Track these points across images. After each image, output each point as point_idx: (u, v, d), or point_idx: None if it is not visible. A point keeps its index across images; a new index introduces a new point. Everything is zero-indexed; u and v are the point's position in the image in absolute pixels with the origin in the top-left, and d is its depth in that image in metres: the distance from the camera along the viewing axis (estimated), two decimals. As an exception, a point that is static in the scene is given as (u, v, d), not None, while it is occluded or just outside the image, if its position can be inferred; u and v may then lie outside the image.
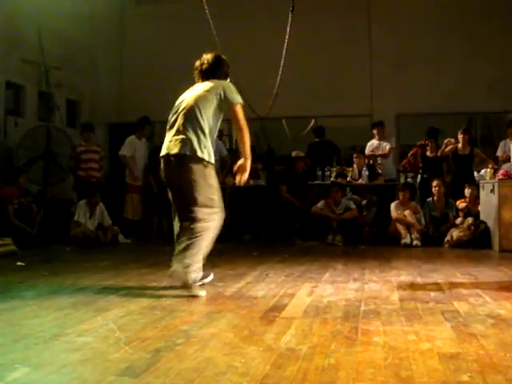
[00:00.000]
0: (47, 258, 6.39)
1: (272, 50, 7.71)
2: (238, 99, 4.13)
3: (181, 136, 4.04)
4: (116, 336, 2.82)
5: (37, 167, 8.95)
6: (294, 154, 8.92)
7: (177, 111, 4.18)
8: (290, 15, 6.22)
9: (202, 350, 2.56)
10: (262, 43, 9.96)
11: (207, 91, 4.12)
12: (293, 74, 8.83)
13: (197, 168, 4.00)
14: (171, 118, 4.22)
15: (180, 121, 4.10)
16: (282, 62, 6.82)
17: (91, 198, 7.99)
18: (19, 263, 5.75)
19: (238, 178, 4.23)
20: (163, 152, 4.14)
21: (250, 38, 10.33)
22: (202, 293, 3.98)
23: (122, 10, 11.50)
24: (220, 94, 4.10)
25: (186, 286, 3.94)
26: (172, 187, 4.20)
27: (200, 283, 4.16)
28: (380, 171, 8.88)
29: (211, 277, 4.39)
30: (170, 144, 4.09)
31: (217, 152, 6.52)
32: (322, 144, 9.38)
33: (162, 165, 4.19)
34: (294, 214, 8.42)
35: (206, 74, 4.29)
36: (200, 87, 4.21)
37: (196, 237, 3.93)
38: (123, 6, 11.48)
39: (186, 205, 4.01)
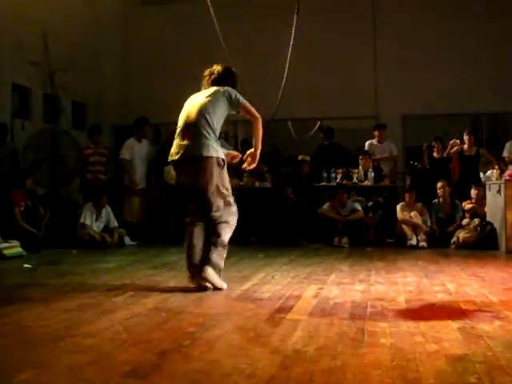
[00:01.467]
0: (53, 260, 6.40)
1: (277, 51, 7.71)
2: (242, 98, 4.34)
3: (197, 139, 4.18)
4: (122, 338, 2.82)
5: (43, 169, 8.98)
6: (300, 157, 8.93)
7: (188, 116, 4.30)
8: (295, 17, 6.22)
9: (208, 352, 2.56)
10: (267, 45, 9.96)
11: (213, 95, 4.28)
12: (298, 75, 8.84)
13: (215, 168, 4.17)
14: (182, 123, 4.33)
15: (194, 124, 4.22)
16: (288, 63, 6.82)
17: (98, 200, 8.00)
18: (26, 265, 5.77)
19: (245, 165, 4.50)
20: (176, 156, 4.27)
21: (255, 40, 10.34)
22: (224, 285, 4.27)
23: (127, 12, 11.53)
24: (227, 96, 4.28)
25: (216, 284, 4.19)
26: (193, 188, 4.30)
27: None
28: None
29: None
30: (185, 147, 4.22)
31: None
32: (331, 146, 9.39)
33: (176, 168, 4.37)
34: (299, 215, 8.41)
35: (215, 84, 4.41)
36: (207, 92, 4.34)
37: None
38: (128, 8, 11.50)
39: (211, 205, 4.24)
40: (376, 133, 9.33)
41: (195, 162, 4.17)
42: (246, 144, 10.11)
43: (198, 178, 4.20)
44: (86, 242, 7.70)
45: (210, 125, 4.20)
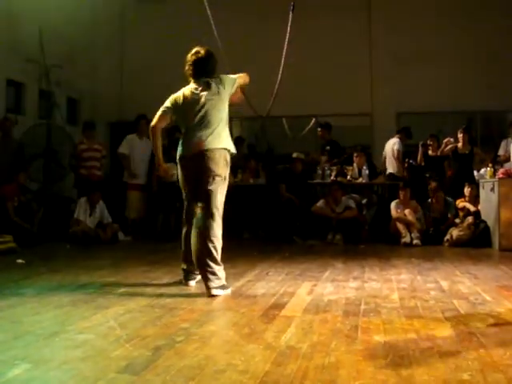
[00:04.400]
0: (47, 256, 6.39)
1: (273, 48, 7.71)
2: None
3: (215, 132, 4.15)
4: (116, 333, 2.83)
5: (37, 165, 8.95)
6: (294, 154, 8.94)
7: (200, 109, 4.19)
8: (291, 14, 6.21)
9: (202, 348, 2.56)
10: (262, 42, 9.95)
11: (218, 87, 4.26)
12: (293, 73, 8.82)
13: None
14: (194, 116, 4.19)
15: (209, 118, 4.16)
16: (283, 60, 6.81)
17: (91, 195, 7.99)
18: (19, 261, 5.75)
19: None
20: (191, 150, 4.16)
21: (250, 37, 10.33)
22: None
23: (123, 9, 11.48)
24: (224, 85, 4.31)
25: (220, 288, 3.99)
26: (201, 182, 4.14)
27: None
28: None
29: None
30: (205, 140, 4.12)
31: None
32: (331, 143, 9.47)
33: (186, 162, 4.21)
34: (293, 212, 8.41)
35: (199, 67, 4.30)
36: (211, 85, 4.26)
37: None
38: (124, 4, 11.45)
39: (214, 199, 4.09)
40: (400, 135, 9.31)
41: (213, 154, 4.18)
42: (240, 141, 10.08)
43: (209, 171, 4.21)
44: (79, 237, 7.66)
45: (224, 117, 4.30)
